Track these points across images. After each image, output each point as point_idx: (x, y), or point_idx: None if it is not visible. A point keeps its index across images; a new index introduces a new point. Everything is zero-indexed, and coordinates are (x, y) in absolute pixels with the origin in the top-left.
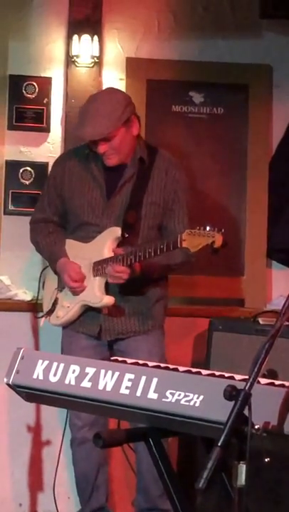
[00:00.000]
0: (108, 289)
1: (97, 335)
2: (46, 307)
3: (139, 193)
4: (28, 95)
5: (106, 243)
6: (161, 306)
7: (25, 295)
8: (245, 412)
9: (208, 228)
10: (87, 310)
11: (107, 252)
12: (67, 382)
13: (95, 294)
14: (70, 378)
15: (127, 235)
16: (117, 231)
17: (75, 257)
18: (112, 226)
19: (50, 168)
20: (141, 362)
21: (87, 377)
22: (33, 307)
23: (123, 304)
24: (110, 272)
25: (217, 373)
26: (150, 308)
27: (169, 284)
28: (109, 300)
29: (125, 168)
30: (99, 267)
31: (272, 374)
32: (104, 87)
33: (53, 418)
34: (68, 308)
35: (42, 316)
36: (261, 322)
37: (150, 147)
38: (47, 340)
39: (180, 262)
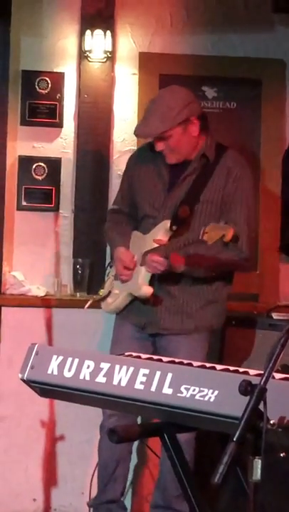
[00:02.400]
0: (154, 281)
1: (143, 326)
2: (104, 294)
3: (198, 189)
4: (41, 90)
5: (157, 235)
6: (213, 310)
7: (39, 290)
8: (261, 407)
9: (222, 222)
10: (135, 300)
11: (155, 244)
12: (81, 377)
13: (137, 282)
14: (85, 373)
15: (175, 228)
16: (166, 224)
17: (134, 247)
18: (166, 219)
19: (63, 164)
20: (155, 357)
21: (102, 373)
22: (47, 302)
23: (169, 300)
24: (147, 261)
25: (231, 368)
26: (197, 310)
27: (227, 289)
28: (147, 290)
29: (189, 165)
30: (145, 256)
31: (286, 369)
32: (116, 82)
33: (67, 414)
34: (116, 295)
35: (95, 299)
36: (275, 317)
37: (220, 146)
38: (62, 335)
39: (230, 259)
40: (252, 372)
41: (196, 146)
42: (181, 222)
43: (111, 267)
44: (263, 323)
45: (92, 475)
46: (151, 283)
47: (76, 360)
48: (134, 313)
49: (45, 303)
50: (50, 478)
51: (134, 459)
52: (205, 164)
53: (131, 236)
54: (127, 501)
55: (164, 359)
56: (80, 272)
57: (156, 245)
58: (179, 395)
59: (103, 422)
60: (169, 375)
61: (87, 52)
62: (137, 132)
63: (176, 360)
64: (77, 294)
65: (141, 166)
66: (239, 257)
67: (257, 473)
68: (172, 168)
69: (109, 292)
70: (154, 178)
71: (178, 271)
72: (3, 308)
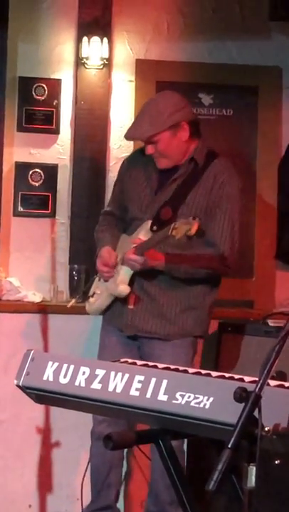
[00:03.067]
0: (134, 281)
1: (121, 328)
2: (89, 293)
3: (183, 193)
4: (38, 97)
5: (138, 236)
6: (193, 316)
7: (35, 296)
8: (255, 414)
9: (190, 218)
10: (116, 301)
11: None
12: (77, 383)
13: (115, 281)
14: (80, 380)
15: (155, 229)
16: (147, 224)
17: (119, 248)
18: (149, 220)
19: (59, 170)
20: (151, 364)
21: (97, 379)
22: (43, 308)
23: (150, 303)
24: (124, 258)
25: (227, 375)
26: (177, 314)
27: (209, 296)
28: (124, 288)
29: (177, 169)
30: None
31: (281, 376)
32: (113, 89)
33: (63, 420)
34: (99, 295)
35: (78, 299)
36: (270, 324)
37: (211, 153)
38: (58, 341)
39: (208, 255)
40: (247, 379)
41: (186, 152)
42: (162, 223)
43: (99, 279)
44: (258, 330)
45: (82, 480)
46: (130, 283)
47: (72, 367)
48: (116, 315)
49: (41, 309)
50: (45, 485)
51: (125, 461)
52: (193, 169)
53: (119, 236)
54: (119, 504)
55: (160, 365)
56: (76, 278)
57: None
58: (174, 401)
59: (94, 427)
60: (164, 382)
61: (84, 59)
62: (126, 135)
63: (172, 366)
64: (73, 301)
65: (132, 169)
66: (217, 252)
67: (252, 480)
68: (162, 173)
69: (94, 293)
70: (143, 181)
71: (157, 268)
72: None
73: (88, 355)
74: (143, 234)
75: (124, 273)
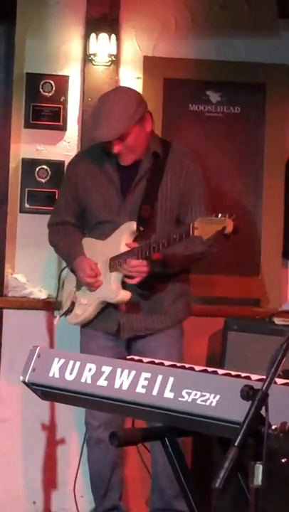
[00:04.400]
0: (126, 284)
1: (115, 332)
2: (65, 307)
3: (154, 188)
4: (45, 93)
5: (122, 238)
6: (182, 303)
7: (41, 293)
8: (262, 412)
9: (219, 215)
10: (105, 308)
11: (123, 247)
12: (83, 380)
13: (111, 288)
14: (87, 377)
15: (142, 229)
16: (132, 225)
17: (93, 254)
18: (128, 221)
19: (66, 167)
20: (157, 361)
21: (104, 376)
22: (49, 305)
23: (141, 300)
24: (127, 269)
25: (233, 373)
26: (170, 305)
27: (190, 279)
28: (125, 294)
29: (140, 165)
30: (116, 261)
31: (287, 374)
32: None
33: (68, 417)
34: (86, 305)
35: (61, 316)
36: (276, 322)
37: (164, 141)
38: (64, 338)
39: (202, 251)
40: (254, 377)
41: (148, 143)
42: (145, 222)
43: (78, 290)
44: (264, 328)
45: (74, 483)
46: (124, 287)
47: (78, 363)
48: (105, 320)
49: (46, 306)
50: (50, 481)
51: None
52: (155, 161)
53: (82, 244)
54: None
55: (166, 363)
56: None
57: (123, 250)
58: (180, 399)
59: (90, 433)
60: (171, 379)
61: (92, 56)
62: (98, 136)
63: (178, 364)
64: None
65: (85, 173)
66: (209, 249)
67: (258, 478)
68: (121, 171)
69: (72, 303)
70: (103, 183)
71: (157, 270)
72: (4, 310)
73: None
74: (127, 236)
75: (116, 279)
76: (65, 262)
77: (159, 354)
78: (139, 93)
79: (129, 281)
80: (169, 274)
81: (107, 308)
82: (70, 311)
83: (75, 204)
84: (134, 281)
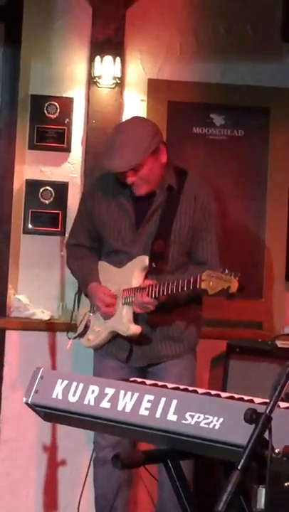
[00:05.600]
0: (137, 317)
1: (125, 360)
2: (79, 330)
3: (168, 221)
4: (50, 115)
5: (134, 272)
6: (194, 328)
7: (43, 314)
8: (266, 435)
9: (226, 271)
10: (117, 336)
11: (135, 282)
12: (86, 402)
13: (123, 322)
14: (90, 398)
15: (154, 265)
16: (144, 261)
17: (107, 281)
18: (141, 255)
19: (70, 188)
20: (160, 383)
21: (107, 398)
22: (51, 326)
23: (153, 330)
24: (138, 302)
25: (236, 396)
26: (182, 332)
27: (202, 304)
28: (136, 329)
29: (154, 197)
30: (127, 295)
31: None
32: (125, 109)
33: (69, 438)
34: (98, 332)
35: (74, 338)
36: (279, 345)
37: (179, 171)
38: (65, 359)
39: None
40: (257, 400)
41: (162, 175)
42: (159, 257)
43: (93, 314)
44: (267, 351)
45: (78, 505)
46: (135, 320)
47: (81, 385)
48: (116, 347)
49: (49, 327)
50: (51, 503)
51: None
52: (169, 194)
53: (98, 267)
54: None
55: (169, 385)
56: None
57: (135, 284)
58: (183, 421)
59: (97, 453)
60: (174, 402)
61: (96, 78)
62: (112, 167)
63: (181, 386)
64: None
65: (100, 201)
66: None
67: (261, 502)
68: (135, 202)
69: (86, 326)
70: (117, 213)
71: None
72: (7, 331)
73: (86, 372)
74: (140, 270)
75: (128, 312)
76: (79, 284)
77: (172, 377)
78: (154, 124)
79: (135, 309)
80: (178, 306)
81: (118, 337)
82: (83, 334)
83: (92, 228)
84: (138, 311)
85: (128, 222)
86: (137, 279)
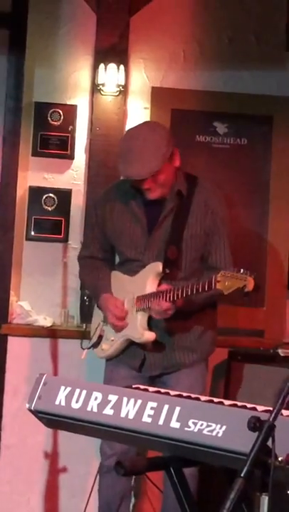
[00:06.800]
0: (151, 324)
1: (138, 368)
2: (93, 340)
3: (180, 227)
4: (53, 122)
5: (148, 279)
6: (208, 338)
7: (46, 321)
8: (269, 443)
9: (241, 271)
10: (131, 344)
11: (149, 288)
12: (89, 409)
13: (137, 328)
14: (93, 405)
15: (168, 271)
16: (158, 267)
17: (119, 290)
18: (153, 261)
19: (73, 195)
20: (163, 391)
21: (110, 405)
22: (53, 333)
23: (168, 337)
24: (156, 308)
25: (239, 404)
26: (196, 341)
27: (217, 312)
28: (150, 336)
29: (165, 202)
30: (141, 302)
31: None
32: (128, 116)
33: (70, 445)
34: (112, 341)
35: (88, 348)
36: (281, 353)
37: (189, 178)
38: (67, 366)
39: (217, 299)
40: (260, 408)
41: (174, 179)
42: (172, 263)
43: (106, 324)
44: (268, 360)
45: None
46: (149, 326)
47: (84, 392)
48: (130, 355)
49: (51, 333)
50: (52, 510)
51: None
52: (180, 200)
53: (111, 277)
54: None
55: (172, 393)
56: (87, 303)
57: (149, 291)
58: (186, 429)
59: (103, 461)
60: (177, 409)
61: (100, 86)
62: (131, 174)
63: (184, 394)
64: (84, 326)
65: (112, 210)
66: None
67: (264, 510)
68: (147, 208)
69: (100, 337)
70: (130, 221)
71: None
72: (9, 337)
73: (98, 380)
74: (153, 277)
75: (142, 319)
76: (91, 296)
77: (183, 387)
78: (168, 129)
79: (154, 315)
80: (193, 311)
81: (133, 344)
82: (97, 343)
83: (103, 239)
84: (156, 317)
85: (140, 229)
86: (150, 286)
